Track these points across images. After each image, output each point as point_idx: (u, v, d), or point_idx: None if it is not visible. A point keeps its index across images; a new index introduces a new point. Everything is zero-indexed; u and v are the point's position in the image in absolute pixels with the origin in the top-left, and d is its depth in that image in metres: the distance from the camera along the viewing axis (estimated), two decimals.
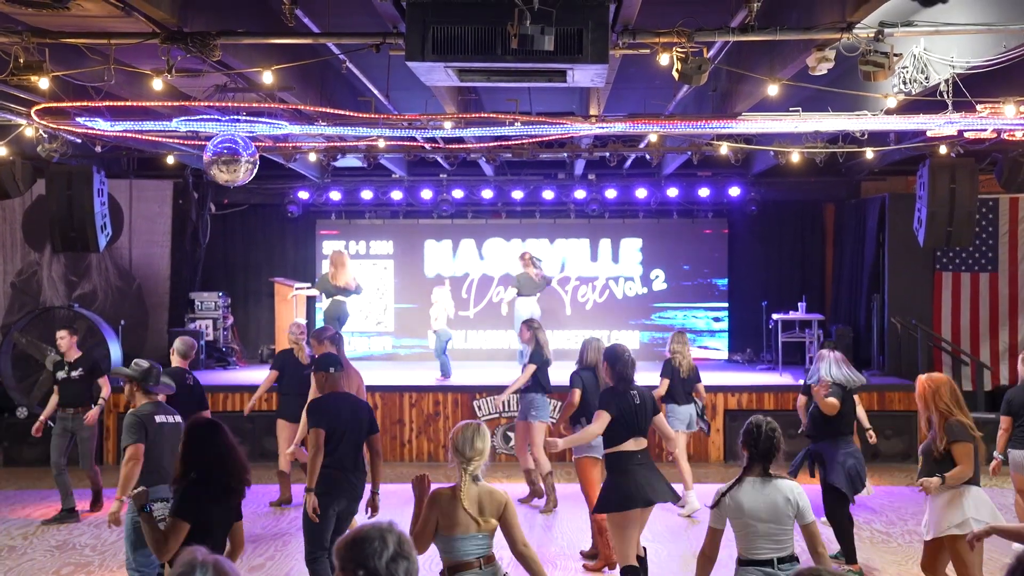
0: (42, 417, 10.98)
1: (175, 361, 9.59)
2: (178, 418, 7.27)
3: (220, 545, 5.25)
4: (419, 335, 17.20)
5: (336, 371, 7.66)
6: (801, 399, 9.65)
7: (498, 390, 13.57)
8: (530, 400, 10.88)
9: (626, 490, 7.22)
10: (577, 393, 8.92)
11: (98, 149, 12.42)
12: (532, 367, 10.83)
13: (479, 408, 13.69)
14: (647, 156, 14.42)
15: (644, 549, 7.60)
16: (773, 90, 8.57)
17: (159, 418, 7.16)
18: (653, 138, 12.63)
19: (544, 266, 15.29)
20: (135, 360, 7.39)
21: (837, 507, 8.63)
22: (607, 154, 14.06)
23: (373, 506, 7.48)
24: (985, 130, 10.43)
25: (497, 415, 13.66)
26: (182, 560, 3.10)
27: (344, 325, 13.76)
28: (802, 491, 5.49)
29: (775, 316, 15.42)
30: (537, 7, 6.00)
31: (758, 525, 5.36)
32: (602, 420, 7.36)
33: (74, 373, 10.88)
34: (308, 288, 15.70)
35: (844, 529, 8.62)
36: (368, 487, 7.58)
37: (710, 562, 5.55)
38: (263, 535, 10.10)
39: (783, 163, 13.12)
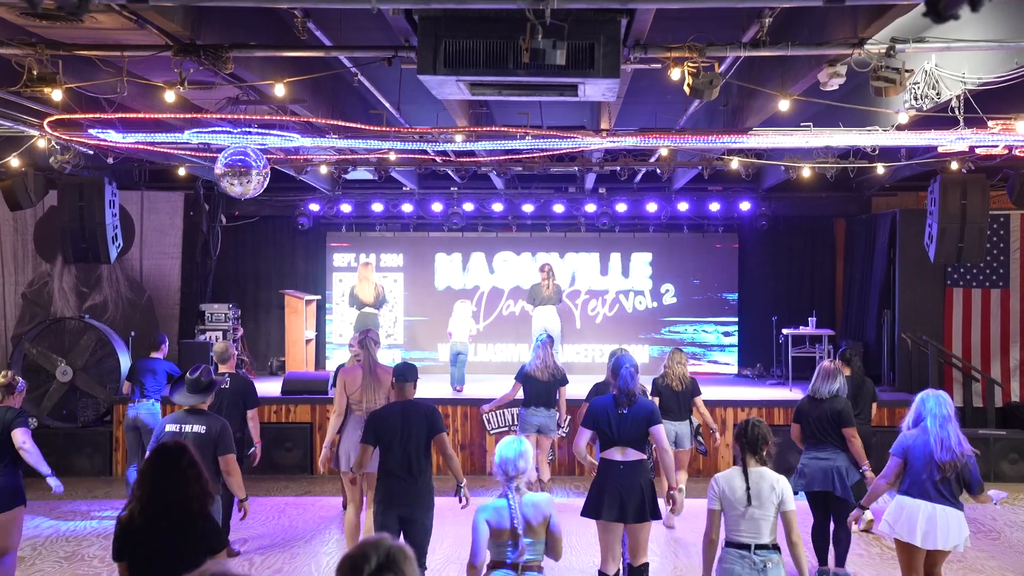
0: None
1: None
2: (193, 427, 7.50)
3: None
4: (429, 348, 17.22)
5: (398, 382, 7.66)
6: None
7: (508, 404, 13.62)
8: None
9: (598, 499, 7.43)
10: (585, 407, 9.08)
11: (110, 160, 12.48)
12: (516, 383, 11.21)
13: (488, 421, 13.67)
14: (658, 170, 14.43)
15: (645, 564, 7.59)
16: (784, 105, 8.57)
17: (169, 427, 7.52)
18: (664, 152, 12.64)
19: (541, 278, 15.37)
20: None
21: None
22: (618, 168, 14.06)
23: (462, 499, 7.50)
24: (996, 146, 10.42)
25: (506, 428, 13.63)
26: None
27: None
28: (786, 483, 6.01)
29: (785, 331, 15.39)
30: (549, 21, 6.00)
31: (742, 509, 5.92)
32: (580, 434, 7.65)
33: None
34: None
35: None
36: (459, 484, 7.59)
37: (712, 544, 6.11)
38: (283, 536, 10.13)
39: (794, 178, 13.12)
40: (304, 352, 16.25)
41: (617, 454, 7.43)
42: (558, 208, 16.81)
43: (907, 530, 7.08)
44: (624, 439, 7.43)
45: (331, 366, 17.16)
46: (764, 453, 6.08)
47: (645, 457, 7.53)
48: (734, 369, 17.35)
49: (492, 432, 13.64)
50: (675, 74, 7.36)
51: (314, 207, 16.80)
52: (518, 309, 17.40)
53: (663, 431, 7.54)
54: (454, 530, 9.81)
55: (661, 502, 7.64)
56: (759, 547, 5.88)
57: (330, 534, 10.63)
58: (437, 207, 16.73)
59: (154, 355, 11.83)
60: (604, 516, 7.38)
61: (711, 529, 6.08)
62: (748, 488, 5.92)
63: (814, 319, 15.48)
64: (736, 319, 17.52)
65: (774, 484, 5.95)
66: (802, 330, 15.29)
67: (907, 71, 7.30)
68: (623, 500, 7.33)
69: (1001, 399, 14.94)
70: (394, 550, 3.06)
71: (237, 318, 16.52)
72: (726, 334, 17.51)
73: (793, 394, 14.48)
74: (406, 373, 7.68)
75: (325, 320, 17.64)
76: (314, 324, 17.16)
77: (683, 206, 16.67)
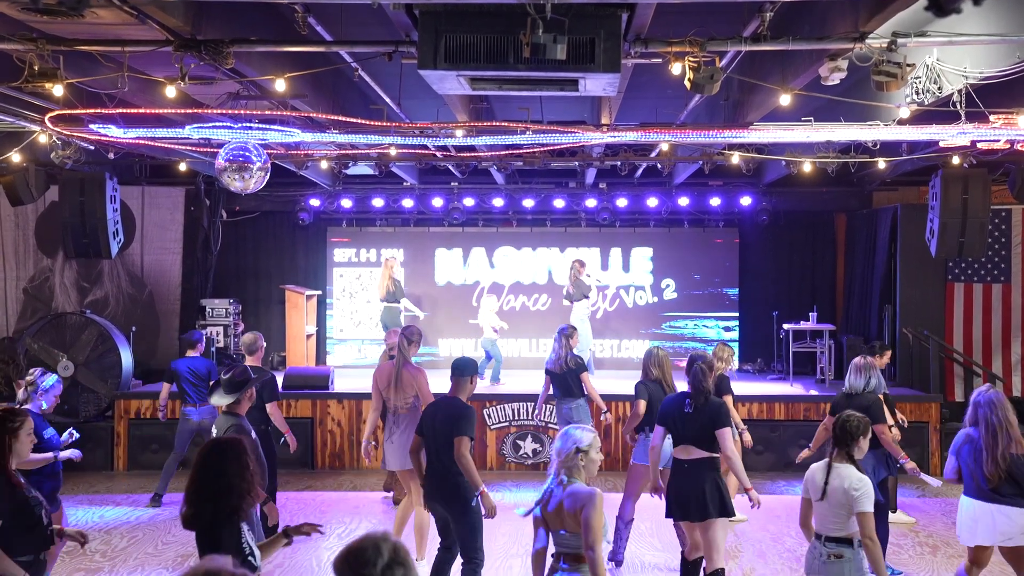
0: None
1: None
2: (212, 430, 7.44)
3: None
4: (429, 343, 17.21)
5: (452, 376, 7.55)
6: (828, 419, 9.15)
7: (508, 399, 13.68)
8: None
9: (669, 499, 7.55)
10: (642, 404, 9.01)
11: (111, 156, 12.48)
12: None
13: (489, 417, 13.66)
14: (658, 165, 14.42)
15: (718, 570, 7.36)
16: (785, 100, 8.57)
17: None
18: (665, 147, 12.62)
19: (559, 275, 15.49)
20: None
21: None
22: (618, 163, 14.04)
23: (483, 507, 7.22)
24: (998, 141, 10.41)
25: (507, 423, 13.64)
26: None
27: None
28: (866, 483, 5.91)
29: (786, 326, 15.37)
30: (549, 16, 6.00)
31: (818, 502, 6.01)
32: (656, 432, 7.67)
33: None
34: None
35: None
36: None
37: (805, 528, 6.25)
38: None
39: (795, 173, 13.11)
40: (304, 347, 16.27)
41: (682, 453, 7.42)
42: (558, 203, 16.81)
43: (959, 528, 7.23)
44: (687, 438, 7.37)
45: (331, 361, 17.22)
46: (854, 449, 6.05)
47: (713, 455, 7.35)
48: (735, 364, 17.28)
49: (493, 427, 13.64)
50: (676, 69, 7.35)
51: (315, 202, 16.81)
52: (518, 304, 17.40)
53: (727, 435, 7.33)
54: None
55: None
56: (829, 539, 5.93)
57: (330, 528, 10.63)
58: (437, 202, 16.73)
59: (190, 354, 11.80)
60: (672, 515, 7.51)
61: (801, 515, 6.26)
62: (826, 483, 5.96)
63: (815, 314, 15.46)
64: (737, 314, 17.51)
65: (850, 486, 5.88)
66: (803, 325, 15.28)
67: (908, 65, 7.28)
68: (686, 499, 7.31)
69: None
70: (398, 544, 3.06)
71: (238, 313, 16.51)
72: (727, 329, 17.49)
73: (794, 389, 14.49)
74: (462, 368, 7.55)
75: (326, 315, 17.64)
76: (315, 319, 17.17)
77: (684, 201, 16.68)
